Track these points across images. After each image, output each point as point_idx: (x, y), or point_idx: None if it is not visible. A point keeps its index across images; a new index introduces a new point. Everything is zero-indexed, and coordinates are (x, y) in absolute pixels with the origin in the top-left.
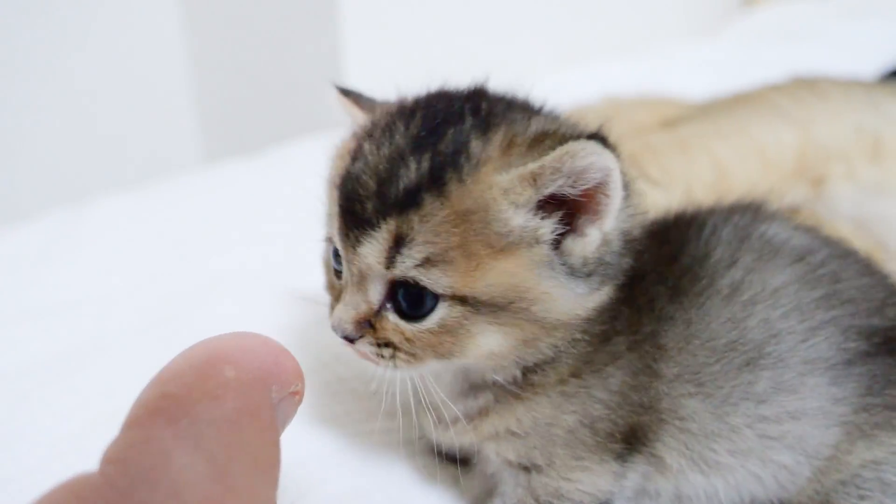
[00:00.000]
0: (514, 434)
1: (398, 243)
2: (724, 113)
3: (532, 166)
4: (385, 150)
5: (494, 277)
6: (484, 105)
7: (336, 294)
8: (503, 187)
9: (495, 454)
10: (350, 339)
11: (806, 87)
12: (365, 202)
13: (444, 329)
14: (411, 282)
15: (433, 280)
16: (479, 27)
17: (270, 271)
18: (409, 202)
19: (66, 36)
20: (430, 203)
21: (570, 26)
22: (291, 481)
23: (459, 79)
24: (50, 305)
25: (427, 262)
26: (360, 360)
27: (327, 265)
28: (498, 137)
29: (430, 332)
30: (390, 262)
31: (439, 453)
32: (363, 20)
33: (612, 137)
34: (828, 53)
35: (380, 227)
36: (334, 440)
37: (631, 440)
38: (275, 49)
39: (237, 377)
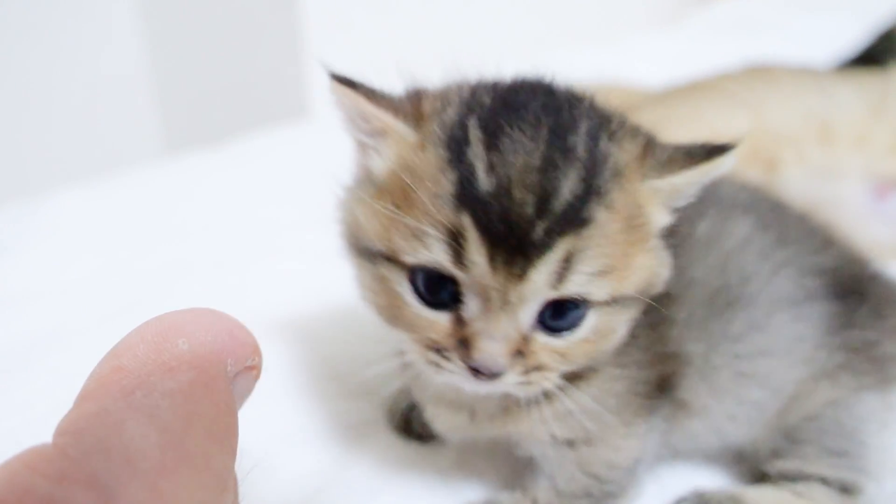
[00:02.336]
0: (571, 413)
1: (569, 261)
2: (681, 100)
3: (689, 174)
4: (522, 159)
5: (641, 272)
6: (581, 105)
7: (432, 326)
8: (656, 192)
9: (545, 435)
10: (495, 375)
11: (758, 74)
12: (530, 224)
13: (597, 333)
14: (575, 297)
15: (600, 290)
16: (442, 15)
17: (232, 260)
18: (579, 217)
19: (23, 27)
20: (602, 217)
21: (534, 18)
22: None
23: (423, 64)
24: (9, 296)
25: (598, 274)
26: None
27: (394, 297)
28: (627, 143)
29: (585, 340)
30: (560, 281)
31: (418, 434)
32: (324, 7)
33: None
34: (784, 45)
35: (554, 248)
36: (304, 417)
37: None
38: (235, 39)
39: (191, 350)
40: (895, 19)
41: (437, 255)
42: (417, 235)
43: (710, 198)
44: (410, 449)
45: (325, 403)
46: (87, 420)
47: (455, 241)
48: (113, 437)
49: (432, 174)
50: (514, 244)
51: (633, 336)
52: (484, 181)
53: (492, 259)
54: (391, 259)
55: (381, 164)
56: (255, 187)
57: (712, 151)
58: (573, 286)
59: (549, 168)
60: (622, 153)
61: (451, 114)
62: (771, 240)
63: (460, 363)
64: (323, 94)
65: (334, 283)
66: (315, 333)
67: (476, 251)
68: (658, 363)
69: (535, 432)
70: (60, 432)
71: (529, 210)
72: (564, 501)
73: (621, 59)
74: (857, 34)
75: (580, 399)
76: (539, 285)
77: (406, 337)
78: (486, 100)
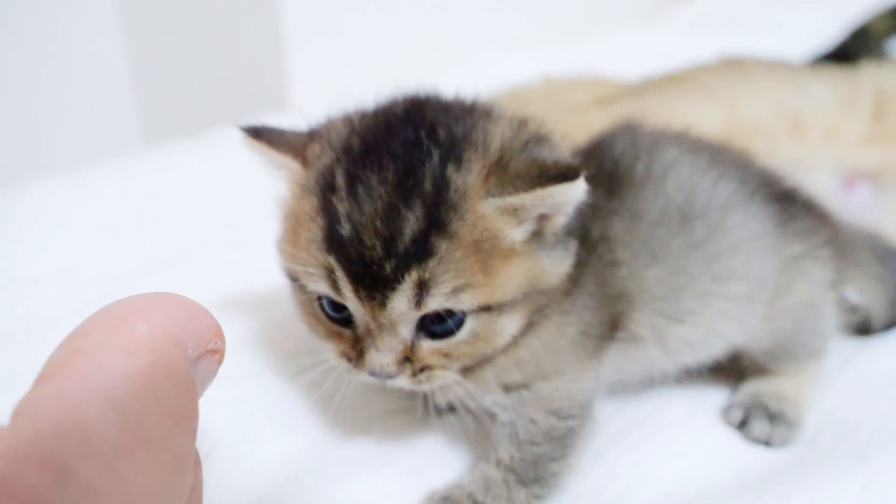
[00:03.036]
0: (523, 361)
1: (422, 287)
2: (655, 92)
3: (525, 198)
4: (371, 207)
5: (510, 279)
6: (437, 128)
7: (341, 338)
8: (501, 211)
9: (498, 387)
10: (390, 376)
11: (732, 67)
12: (380, 264)
13: (476, 336)
14: (441, 311)
15: (462, 303)
16: (424, 8)
17: (208, 252)
18: (421, 251)
19: None
20: (442, 247)
21: (518, 14)
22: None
23: (402, 61)
24: None
25: (454, 292)
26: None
27: (313, 314)
28: (474, 165)
29: (465, 342)
30: (419, 304)
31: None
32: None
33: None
34: (763, 41)
35: (403, 281)
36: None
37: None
38: (215, 31)
39: (150, 333)
40: (868, 17)
41: (322, 288)
42: (307, 270)
43: (639, 140)
44: (384, 431)
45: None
46: (44, 401)
47: (331, 277)
48: (69, 419)
49: (309, 218)
50: (372, 280)
51: (581, 284)
52: (343, 228)
53: (357, 292)
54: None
55: (282, 204)
56: (233, 178)
57: (558, 176)
58: (434, 304)
59: (391, 212)
60: (468, 176)
61: (325, 160)
62: (704, 160)
63: (361, 369)
64: (303, 86)
65: None
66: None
67: (345, 287)
68: (607, 305)
69: (488, 387)
70: (16, 413)
71: (378, 252)
72: (527, 452)
73: (604, 55)
74: (832, 31)
75: (531, 345)
76: (401, 309)
77: (328, 346)
78: (354, 143)
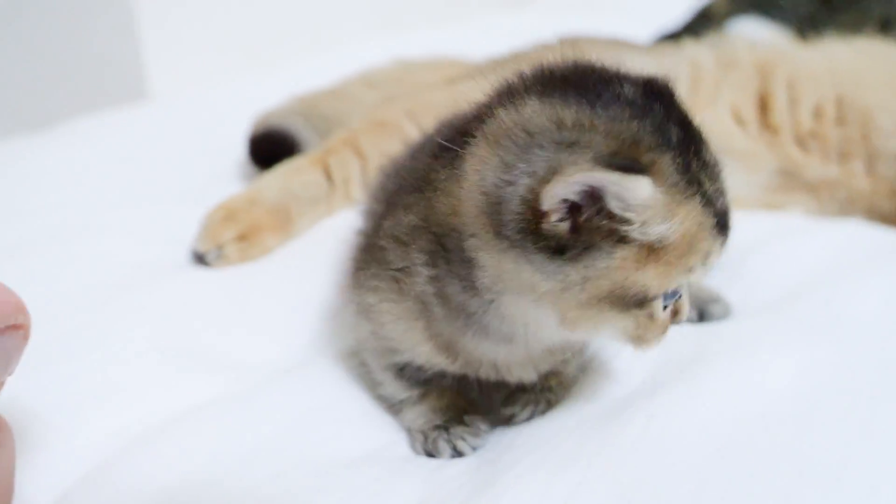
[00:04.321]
0: None
1: None
2: (499, 71)
3: None
4: (714, 174)
5: None
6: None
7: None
8: None
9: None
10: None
11: (569, 45)
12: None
13: None
14: None
15: None
16: None
17: (56, 240)
18: None
19: None
20: None
21: None
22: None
23: (265, 45)
24: None
25: None
26: None
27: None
28: None
29: None
30: None
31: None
32: None
33: None
34: (619, 23)
35: None
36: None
37: None
38: (64, 19)
39: None
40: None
41: (687, 278)
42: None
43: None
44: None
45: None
46: None
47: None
48: None
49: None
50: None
51: None
52: (718, 204)
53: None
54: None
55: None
56: (86, 169)
57: None
58: None
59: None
60: None
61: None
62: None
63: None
64: (162, 74)
65: (160, 259)
66: (140, 306)
67: (715, 254)
68: None
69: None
70: None
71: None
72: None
73: (469, 38)
74: (681, 13)
75: None
76: None
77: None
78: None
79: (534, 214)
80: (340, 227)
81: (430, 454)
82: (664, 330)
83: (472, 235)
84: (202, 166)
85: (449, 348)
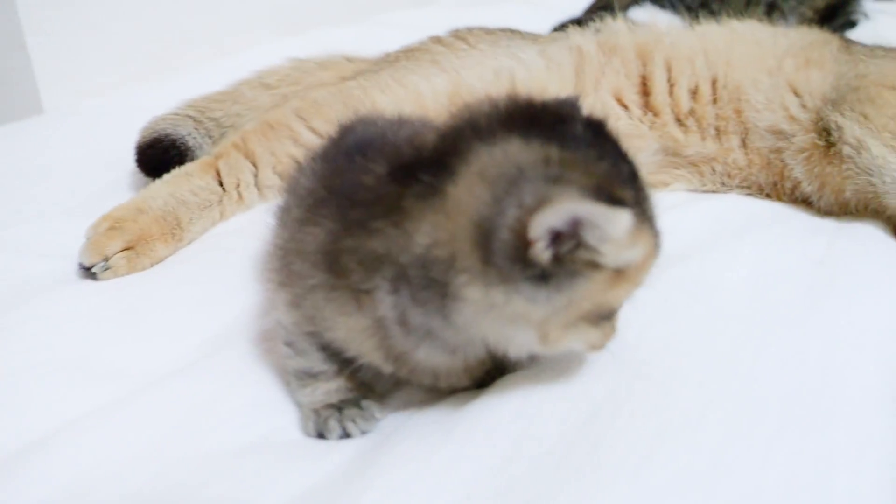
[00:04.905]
0: None
1: None
2: (390, 66)
3: None
4: None
5: None
6: None
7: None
8: None
9: None
10: None
11: (461, 37)
12: None
13: None
14: None
15: None
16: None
17: None
18: None
19: None
20: None
21: None
22: None
23: (162, 53)
24: None
25: None
26: None
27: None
28: None
29: None
30: None
31: None
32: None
33: None
34: (526, 13)
35: None
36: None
37: None
38: None
39: None
40: None
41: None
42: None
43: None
44: None
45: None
46: None
47: None
48: None
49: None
50: None
51: None
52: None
53: None
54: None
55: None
56: None
57: None
58: None
59: None
60: None
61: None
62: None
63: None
64: (54, 88)
65: (50, 274)
66: (29, 320)
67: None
68: None
69: None
70: None
71: None
72: None
73: (377, 34)
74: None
75: None
76: None
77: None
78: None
79: (521, 243)
80: (234, 231)
81: (320, 434)
82: (614, 333)
83: (463, 271)
84: (95, 178)
85: (398, 359)
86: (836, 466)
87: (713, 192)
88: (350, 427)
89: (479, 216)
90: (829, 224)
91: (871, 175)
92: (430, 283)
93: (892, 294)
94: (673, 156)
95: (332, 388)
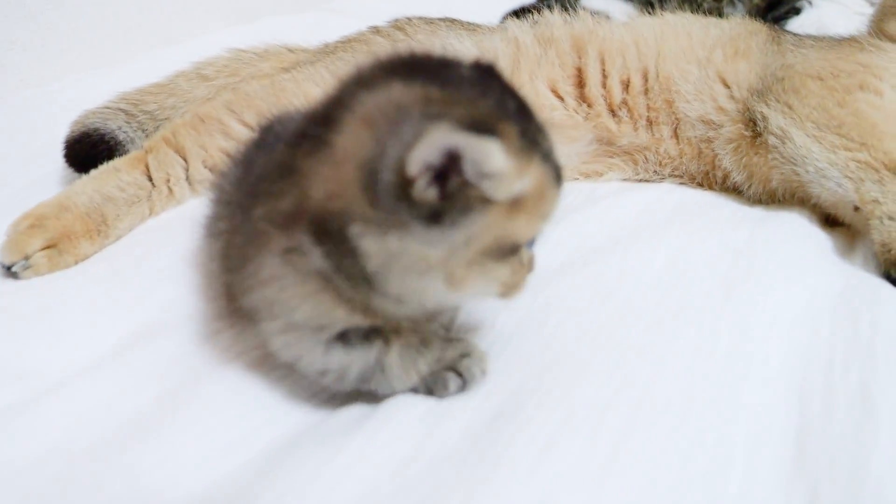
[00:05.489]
0: None
1: None
2: (326, 57)
3: None
4: None
5: None
6: None
7: (524, 270)
8: None
9: None
10: None
11: (399, 27)
12: None
13: None
14: None
15: None
16: None
17: None
18: None
19: None
20: None
21: None
22: None
23: (97, 42)
24: None
25: None
26: None
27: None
28: None
29: None
30: None
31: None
32: None
33: None
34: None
35: None
36: None
37: None
38: None
39: None
40: None
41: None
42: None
43: None
44: None
45: None
46: None
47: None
48: None
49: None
50: None
51: None
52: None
53: None
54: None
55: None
56: None
57: None
58: None
59: None
60: None
61: None
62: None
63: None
64: None
65: None
66: None
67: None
68: None
69: None
70: None
71: None
72: None
73: (325, 22)
74: None
75: None
76: None
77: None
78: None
79: (405, 182)
80: (163, 226)
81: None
82: (529, 272)
83: (354, 221)
84: (24, 174)
85: (364, 309)
86: (731, 461)
87: (647, 181)
88: (473, 370)
89: (363, 160)
90: (756, 213)
91: (795, 165)
92: (341, 239)
93: (807, 283)
94: (607, 145)
95: (400, 352)
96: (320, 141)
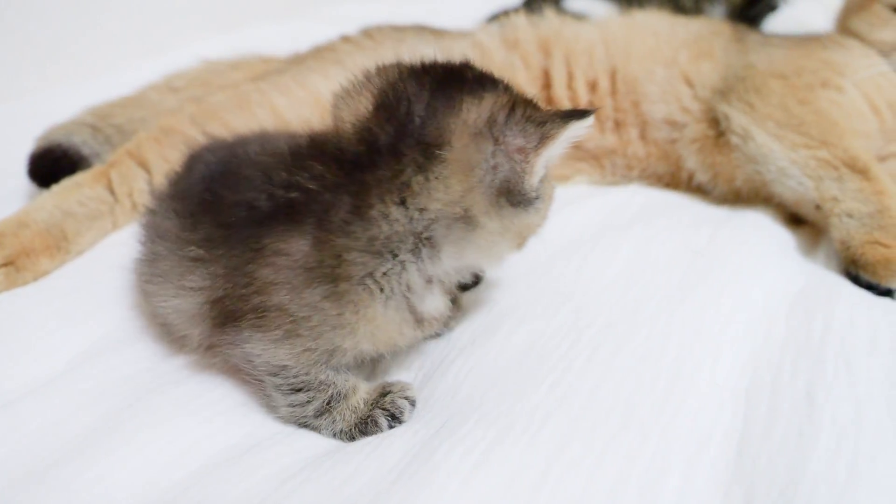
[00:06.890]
0: None
1: None
2: (295, 66)
3: None
4: None
5: None
6: None
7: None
8: None
9: None
10: None
11: (368, 36)
12: None
13: None
14: None
15: None
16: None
17: None
18: None
19: None
20: None
21: None
22: None
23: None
24: None
25: None
26: None
27: None
28: None
29: None
30: None
31: None
32: None
33: None
34: (467, 3)
35: None
36: None
37: None
38: None
39: None
40: None
41: None
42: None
43: None
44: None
45: None
46: None
47: None
48: None
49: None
50: None
51: None
52: None
53: None
54: None
55: None
56: None
57: None
58: None
59: None
60: None
61: None
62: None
63: None
64: None
65: None
66: None
67: None
68: None
69: None
70: None
71: None
72: None
73: (310, 29)
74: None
75: None
76: None
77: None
78: None
79: (520, 179)
80: (126, 241)
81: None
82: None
83: (479, 214)
84: None
85: (420, 321)
86: (669, 467)
87: (614, 184)
88: (400, 407)
89: (479, 171)
90: (719, 213)
91: (757, 164)
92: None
93: (765, 284)
94: (573, 149)
95: (362, 393)
96: (429, 157)
